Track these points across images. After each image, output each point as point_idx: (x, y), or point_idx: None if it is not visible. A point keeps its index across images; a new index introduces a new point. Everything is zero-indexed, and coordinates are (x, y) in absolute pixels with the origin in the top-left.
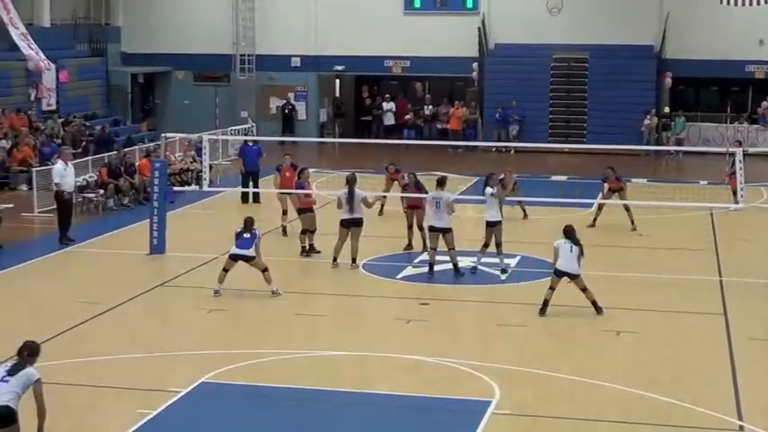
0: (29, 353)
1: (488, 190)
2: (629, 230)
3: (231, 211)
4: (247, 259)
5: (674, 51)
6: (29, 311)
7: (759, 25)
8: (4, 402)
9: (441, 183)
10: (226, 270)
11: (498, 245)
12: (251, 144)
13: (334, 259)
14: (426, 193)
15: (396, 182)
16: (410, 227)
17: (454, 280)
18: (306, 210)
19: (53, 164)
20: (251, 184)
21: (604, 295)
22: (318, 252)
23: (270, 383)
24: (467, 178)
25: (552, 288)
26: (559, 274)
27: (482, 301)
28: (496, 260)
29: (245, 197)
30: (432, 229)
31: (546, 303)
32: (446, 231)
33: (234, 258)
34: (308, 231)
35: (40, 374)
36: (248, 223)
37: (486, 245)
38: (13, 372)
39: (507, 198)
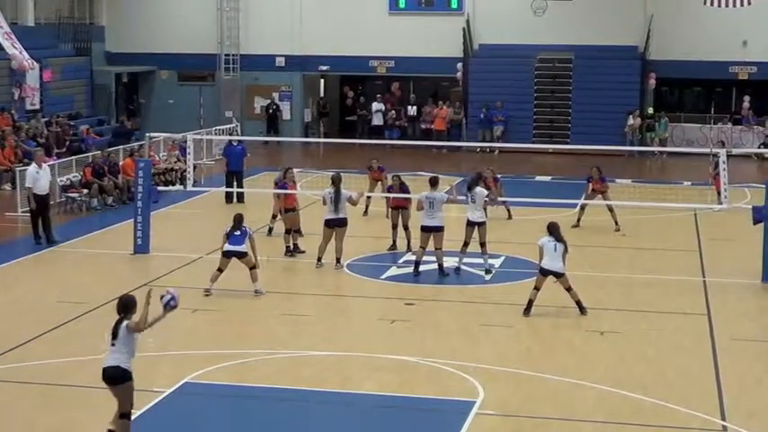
0: (124, 311)
1: (481, 191)
2: (612, 231)
3: (215, 210)
4: (240, 256)
5: (658, 52)
6: (12, 311)
7: (742, 26)
8: (113, 363)
9: (433, 183)
10: (220, 270)
11: (483, 245)
12: (235, 144)
13: (319, 259)
14: (410, 194)
15: (380, 181)
16: (395, 227)
17: (438, 280)
18: (288, 209)
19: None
20: (235, 183)
21: (588, 295)
22: (303, 252)
23: (254, 383)
24: (451, 178)
25: (537, 288)
26: (544, 272)
27: (466, 301)
28: (481, 260)
29: (229, 197)
30: (424, 228)
31: (530, 303)
32: (438, 230)
33: (227, 255)
34: (293, 231)
35: (130, 320)
36: (237, 221)
37: (466, 244)
38: (115, 335)
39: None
